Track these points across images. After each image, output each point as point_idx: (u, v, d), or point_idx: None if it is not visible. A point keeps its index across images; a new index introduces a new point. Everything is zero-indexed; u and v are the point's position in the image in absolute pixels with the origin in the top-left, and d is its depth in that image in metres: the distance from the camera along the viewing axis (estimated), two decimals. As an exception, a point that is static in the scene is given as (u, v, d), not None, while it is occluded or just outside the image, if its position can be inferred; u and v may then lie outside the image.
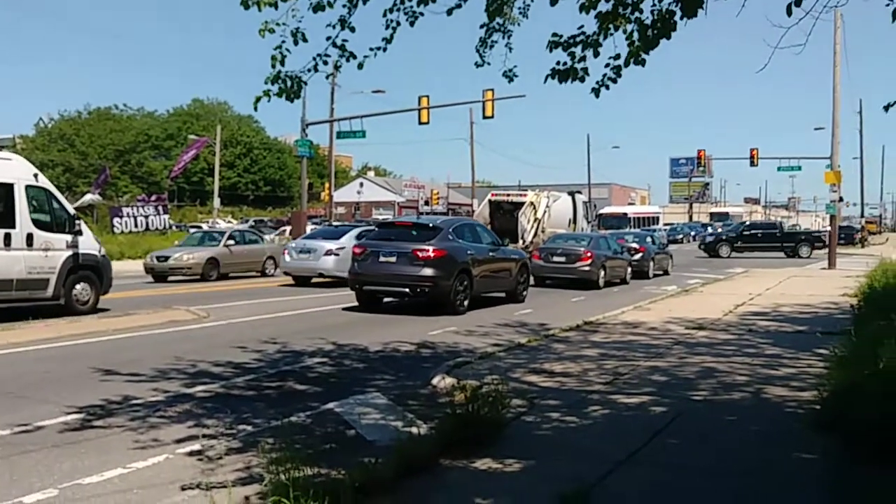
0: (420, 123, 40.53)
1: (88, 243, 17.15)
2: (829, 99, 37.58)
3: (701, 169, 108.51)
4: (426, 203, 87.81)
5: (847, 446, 6.55)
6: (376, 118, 45.60)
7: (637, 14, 7.50)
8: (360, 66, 7.87)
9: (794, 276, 30.66)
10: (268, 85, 7.42)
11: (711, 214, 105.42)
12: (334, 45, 7.58)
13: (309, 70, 7.55)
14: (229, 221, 72.41)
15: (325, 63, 7.67)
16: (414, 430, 7.17)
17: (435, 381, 9.91)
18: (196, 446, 7.08)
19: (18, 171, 15.94)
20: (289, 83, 7.45)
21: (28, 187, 15.90)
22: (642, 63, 7.65)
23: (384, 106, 60.53)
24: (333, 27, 7.53)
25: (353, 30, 7.56)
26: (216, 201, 71.82)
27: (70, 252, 16.56)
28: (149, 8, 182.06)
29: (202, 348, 12.45)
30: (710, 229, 78.77)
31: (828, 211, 40.50)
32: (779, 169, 60.75)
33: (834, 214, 39.11)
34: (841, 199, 41.30)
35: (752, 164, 56.29)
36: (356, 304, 18.76)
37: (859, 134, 73.85)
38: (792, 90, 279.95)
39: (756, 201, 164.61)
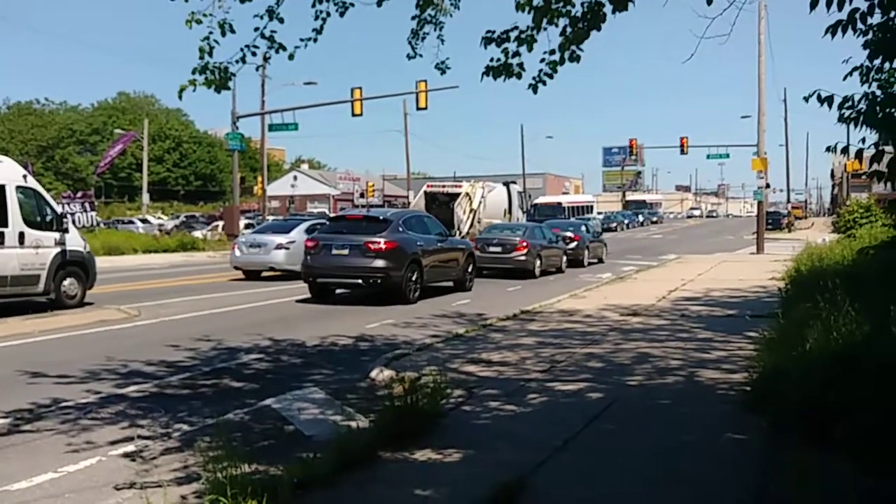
0: (353, 115, 40.30)
1: (75, 240, 17.83)
2: (755, 88, 38.43)
3: (633, 158, 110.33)
4: (361, 195, 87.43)
5: (775, 426, 6.73)
6: (309, 110, 45.28)
7: (568, 7, 7.57)
8: (291, 56, 7.81)
9: (724, 262, 31.34)
10: (194, 75, 7.31)
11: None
12: (263, 36, 7.51)
13: (237, 61, 7.45)
14: (159, 217, 71.23)
15: (254, 54, 7.59)
16: (353, 423, 7.15)
17: (373, 373, 9.90)
18: (130, 447, 6.95)
19: (9, 173, 16.63)
20: (216, 73, 7.34)
21: (18, 188, 16.57)
22: (577, 59, 7.74)
23: (316, 98, 59.83)
24: (262, 18, 7.45)
25: (281, 20, 7.49)
26: (145, 197, 70.41)
27: (59, 249, 17.18)
28: None
29: (134, 347, 12.21)
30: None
31: (755, 197, 41.43)
32: (708, 157, 62.24)
33: (761, 200, 40.02)
34: (768, 186, 42.35)
35: (683, 152, 57.39)
36: (308, 296, 18.95)
37: (784, 122, 75.96)
38: (720, 80, 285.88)
39: (687, 188, 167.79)
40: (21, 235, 16.38)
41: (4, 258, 15.99)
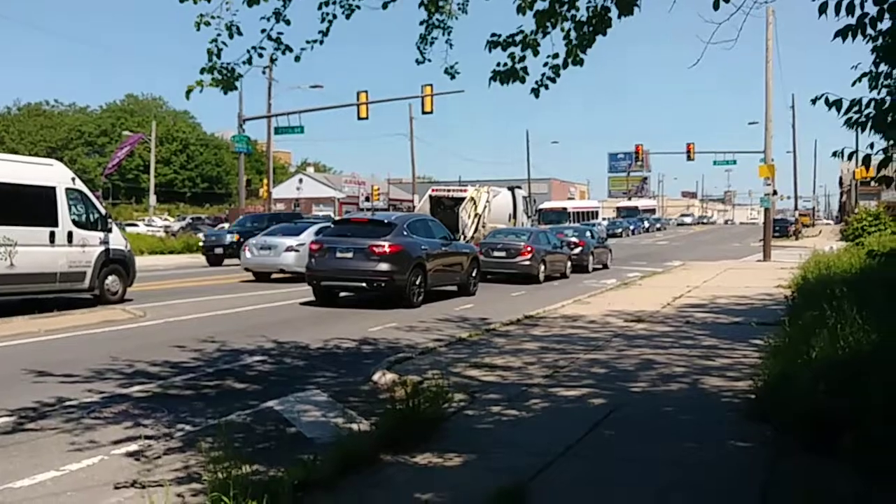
0: (359, 119, 40.41)
1: (117, 240, 18.83)
2: (762, 94, 38.36)
3: (639, 164, 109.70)
4: (367, 199, 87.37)
5: (780, 435, 6.70)
6: (315, 113, 45.51)
7: (573, 11, 7.56)
8: (297, 58, 7.82)
9: (730, 269, 31.28)
10: (202, 75, 7.35)
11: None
12: (269, 37, 7.53)
13: (244, 62, 7.48)
14: (165, 219, 71.39)
15: (261, 56, 7.61)
16: (354, 426, 7.16)
17: (375, 377, 9.89)
18: (133, 447, 6.97)
19: (59, 176, 17.58)
20: (223, 74, 7.38)
21: (67, 190, 17.48)
22: (580, 63, 7.73)
23: (322, 101, 60.16)
24: (268, 20, 7.48)
25: (287, 22, 7.51)
26: (152, 199, 70.69)
27: (103, 248, 18.09)
28: (79, 1, 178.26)
29: (139, 348, 12.23)
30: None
31: (762, 204, 41.36)
32: (714, 163, 62.10)
33: (768, 207, 39.96)
34: (775, 193, 42.28)
35: (689, 158, 57.41)
36: (313, 298, 18.98)
37: (792, 129, 75.59)
38: (727, 86, 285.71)
39: (693, 195, 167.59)
40: (70, 235, 17.25)
41: (54, 256, 16.87)
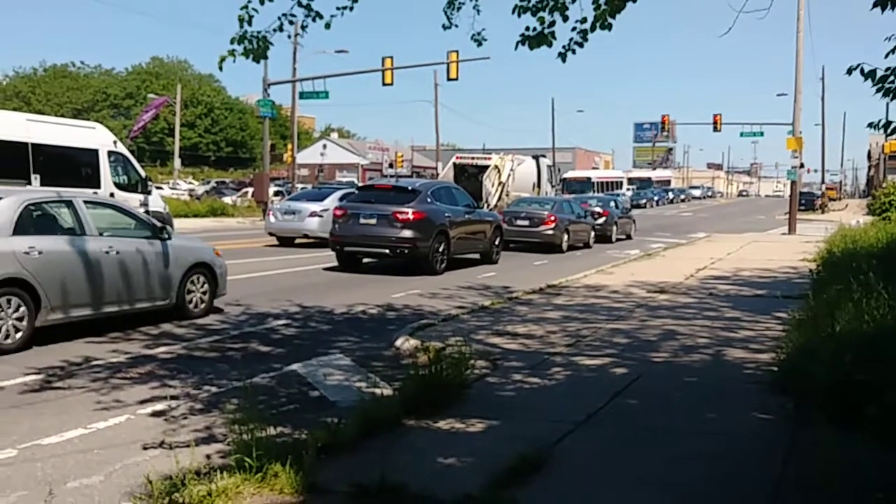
0: (384, 84, 40.15)
1: (156, 202, 19.64)
2: (792, 65, 37.87)
3: (665, 134, 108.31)
4: (390, 166, 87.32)
5: (802, 407, 6.69)
6: (340, 79, 45.41)
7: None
8: (328, 25, 7.79)
9: (754, 241, 31.06)
10: (233, 45, 7.34)
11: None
12: (300, 4, 7.51)
13: (275, 30, 7.46)
14: (190, 182, 71.71)
15: (291, 23, 7.58)
16: (377, 391, 7.20)
17: (398, 342, 9.94)
18: (158, 407, 7.07)
19: (101, 139, 18.19)
20: (255, 43, 7.36)
21: (110, 153, 18.11)
22: (609, 27, 7.65)
23: (347, 66, 59.96)
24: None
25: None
26: (177, 162, 70.94)
27: (143, 209, 18.27)
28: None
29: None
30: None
31: (788, 177, 40.92)
32: (741, 134, 61.41)
33: (795, 180, 39.53)
34: (802, 166, 41.78)
35: (716, 129, 56.70)
36: (336, 264, 19.04)
37: (821, 101, 74.52)
38: (756, 56, 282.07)
39: (719, 167, 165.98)
40: (111, 196, 17.61)
41: None
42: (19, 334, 9.15)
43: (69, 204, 10.34)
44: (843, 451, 5.62)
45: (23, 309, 9.19)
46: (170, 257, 11.32)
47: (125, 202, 17.71)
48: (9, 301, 9.05)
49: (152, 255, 11.07)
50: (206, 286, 12.00)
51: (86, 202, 10.67)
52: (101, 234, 10.42)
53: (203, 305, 11.94)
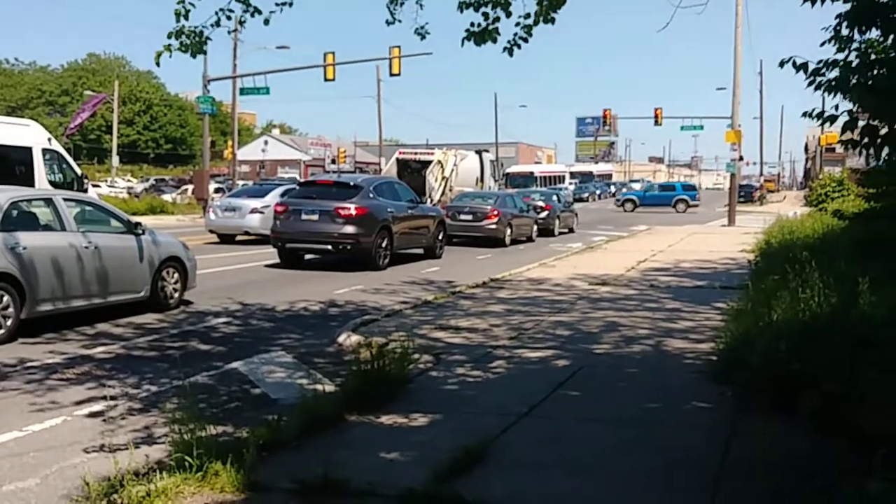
0: (326, 80, 39.84)
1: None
2: (731, 60, 38.46)
3: (606, 128, 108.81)
4: (333, 161, 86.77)
5: (741, 395, 6.81)
6: (281, 74, 44.79)
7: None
8: (267, 21, 7.73)
9: (694, 233, 31.55)
10: (170, 40, 7.23)
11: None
12: (238, -1, 7.41)
13: (212, 25, 7.36)
14: (128, 180, 70.47)
15: (229, 18, 7.50)
16: (319, 387, 7.15)
17: (341, 338, 9.89)
18: (96, 408, 6.95)
19: (35, 136, 17.81)
20: (192, 38, 7.26)
21: (44, 150, 17.70)
22: (552, 21, 7.72)
23: (289, 62, 59.32)
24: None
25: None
26: (115, 159, 69.57)
27: None
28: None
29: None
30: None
31: (728, 170, 41.65)
32: (682, 128, 62.12)
33: (734, 173, 40.25)
34: (741, 158, 42.63)
35: (656, 123, 57.44)
36: (278, 261, 18.86)
37: (759, 95, 76.18)
38: (696, 51, 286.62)
39: (660, 160, 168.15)
40: None
41: None
42: (6, 325, 9.53)
43: (49, 201, 10.88)
44: (782, 438, 5.72)
45: (8, 300, 9.56)
46: (144, 251, 11.81)
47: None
48: None
49: (128, 249, 11.58)
50: (177, 279, 12.41)
51: (65, 199, 11.20)
52: (80, 230, 10.83)
53: (175, 297, 12.38)
